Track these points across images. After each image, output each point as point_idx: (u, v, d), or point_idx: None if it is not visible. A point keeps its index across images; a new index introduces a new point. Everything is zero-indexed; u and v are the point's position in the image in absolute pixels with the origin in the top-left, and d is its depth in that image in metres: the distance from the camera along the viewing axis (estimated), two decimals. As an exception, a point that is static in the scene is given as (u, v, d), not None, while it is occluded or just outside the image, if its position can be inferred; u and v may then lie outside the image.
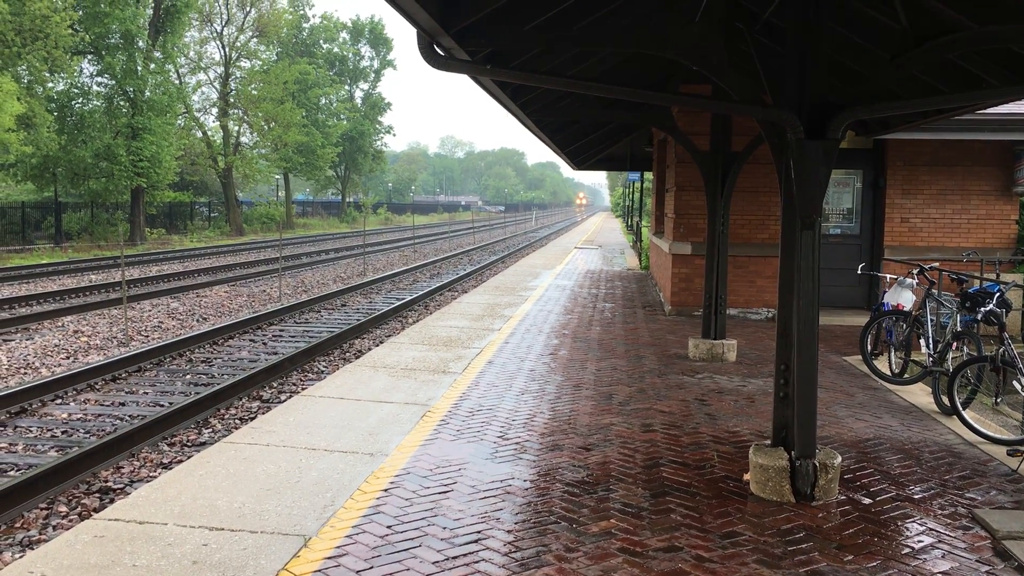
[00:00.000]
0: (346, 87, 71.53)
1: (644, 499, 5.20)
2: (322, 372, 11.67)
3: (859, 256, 13.37)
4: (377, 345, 13.14)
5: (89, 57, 37.25)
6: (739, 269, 13.19)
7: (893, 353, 9.00)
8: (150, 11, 38.36)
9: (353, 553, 4.33)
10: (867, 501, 5.28)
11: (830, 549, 4.53)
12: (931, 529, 4.84)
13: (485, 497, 5.17)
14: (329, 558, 4.27)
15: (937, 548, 4.57)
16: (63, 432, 8.56)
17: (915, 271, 9.24)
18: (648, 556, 4.37)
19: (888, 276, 10.06)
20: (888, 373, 8.89)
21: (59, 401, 9.71)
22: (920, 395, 8.27)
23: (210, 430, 8.85)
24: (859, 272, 11.12)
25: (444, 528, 4.67)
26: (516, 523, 4.77)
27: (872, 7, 6.06)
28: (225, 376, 11.11)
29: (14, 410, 9.12)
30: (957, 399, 6.95)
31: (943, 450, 6.43)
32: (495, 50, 6.70)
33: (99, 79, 38.23)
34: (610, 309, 14.28)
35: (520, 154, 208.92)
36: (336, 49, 70.58)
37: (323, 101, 62.01)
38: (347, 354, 13.03)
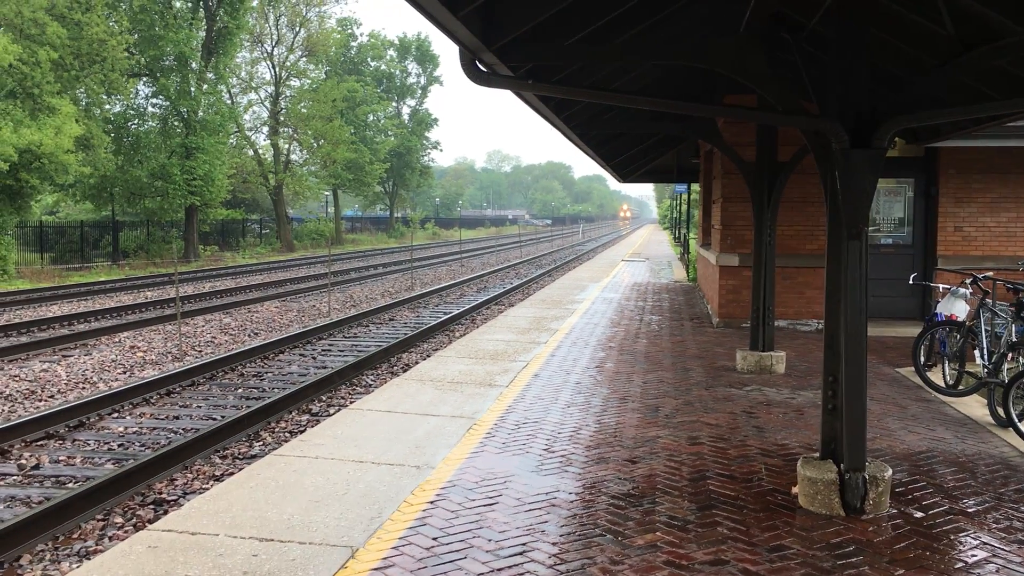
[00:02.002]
0: (393, 104, 72.37)
1: (690, 512, 5.17)
2: (370, 386, 11.79)
3: (911, 266, 13.11)
4: (424, 359, 13.25)
5: (144, 79, 38.33)
6: (787, 280, 13.05)
7: (947, 364, 8.82)
8: (203, 33, 39.35)
9: (399, 564, 4.38)
10: (919, 515, 5.19)
11: (881, 563, 4.46)
12: (985, 543, 4.74)
13: (530, 509, 5.19)
14: (376, 569, 4.32)
15: (991, 562, 4.47)
16: (119, 445, 8.78)
17: (968, 281, 9.05)
18: (694, 569, 4.35)
19: (941, 286, 9.86)
20: (942, 385, 8.72)
21: (116, 415, 9.96)
22: (975, 407, 8.09)
23: (261, 443, 9.00)
24: (911, 282, 10.88)
25: (489, 540, 4.70)
26: (561, 535, 4.78)
27: (918, 14, 5.99)
28: (275, 390, 11.29)
29: (73, 424, 9.38)
30: (1013, 411, 6.81)
31: (998, 463, 6.28)
32: (537, 65, 6.75)
33: (154, 100, 39.38)
34: (657, 321, 14.21)
35: (567, 167, 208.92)
36: (383, 66, 71.52)
37: (371, 118, 62.88)
38: (395, 368, 13.15)
